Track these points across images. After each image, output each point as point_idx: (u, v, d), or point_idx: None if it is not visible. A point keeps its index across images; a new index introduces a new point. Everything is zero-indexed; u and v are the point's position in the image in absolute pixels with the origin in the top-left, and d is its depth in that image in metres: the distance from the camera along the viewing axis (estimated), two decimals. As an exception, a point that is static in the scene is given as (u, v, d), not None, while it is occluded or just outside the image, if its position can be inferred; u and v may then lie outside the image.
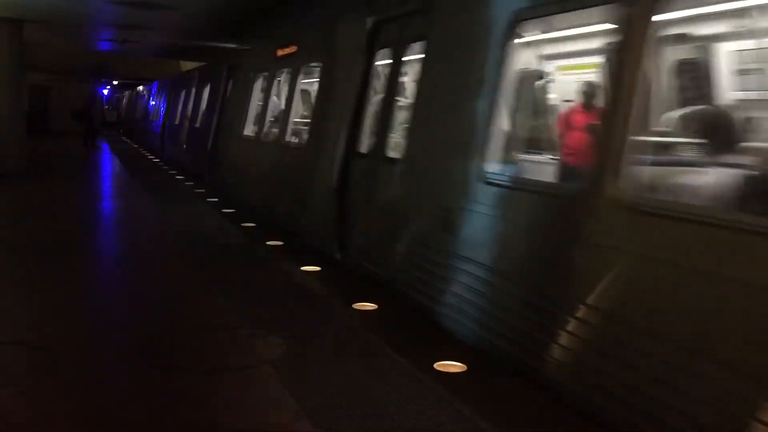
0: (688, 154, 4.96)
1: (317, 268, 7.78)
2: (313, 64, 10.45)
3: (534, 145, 6.88)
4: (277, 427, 3.91)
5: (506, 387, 4.59)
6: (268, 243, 9.15)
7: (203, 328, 5.61)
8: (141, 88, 37.04)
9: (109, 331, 5.50)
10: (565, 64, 8.06)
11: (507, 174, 5.45)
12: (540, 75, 7.52)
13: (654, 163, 4.64)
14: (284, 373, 4.62)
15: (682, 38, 6.12)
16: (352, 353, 5.08)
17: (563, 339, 4.28)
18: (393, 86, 7.44)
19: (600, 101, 4.85)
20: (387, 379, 4.55)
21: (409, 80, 7.44)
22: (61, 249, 8.43)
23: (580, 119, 7.06)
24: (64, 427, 3.86)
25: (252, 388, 4.45)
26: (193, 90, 20.51)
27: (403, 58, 7.29)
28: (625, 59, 4.18)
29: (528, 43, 5.96)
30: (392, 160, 7.00)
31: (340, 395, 4.26)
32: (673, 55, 6.16)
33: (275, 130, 11.84)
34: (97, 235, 10.20)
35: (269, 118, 12.42)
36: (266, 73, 12.72)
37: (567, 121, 7.40)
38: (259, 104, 13.19)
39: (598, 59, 5.93)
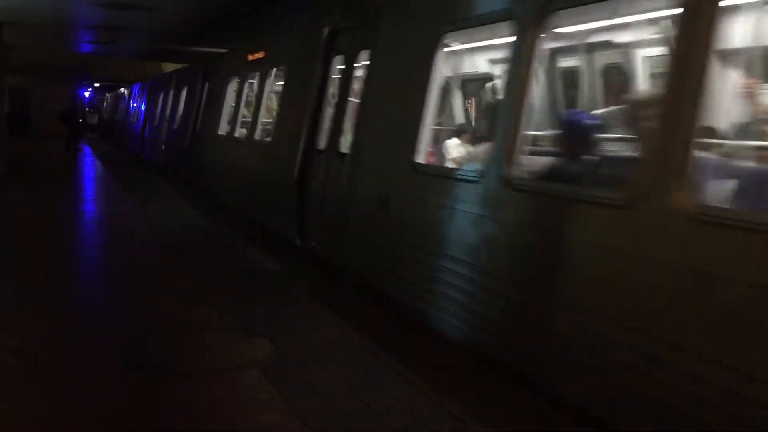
0: None
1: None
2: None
3: None
4: (266, 428, 3.89)
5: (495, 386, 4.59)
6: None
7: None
8: (123, 90, 36.71)
9: (93, 334, 5.43)
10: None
11: None
12: None
13: None
14: (272, 373, 4.59)
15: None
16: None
17: None
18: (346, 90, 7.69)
19: None
20: (376, 378, 4.54)
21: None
22: (41, 253, 8.33)
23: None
24: (49, 430, 3.80)
25: (240, 389, 4.42)
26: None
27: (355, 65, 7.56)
28: None
29: None
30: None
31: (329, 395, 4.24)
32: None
33: None
34: (77, 239, 10.09)
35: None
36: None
37: None
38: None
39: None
